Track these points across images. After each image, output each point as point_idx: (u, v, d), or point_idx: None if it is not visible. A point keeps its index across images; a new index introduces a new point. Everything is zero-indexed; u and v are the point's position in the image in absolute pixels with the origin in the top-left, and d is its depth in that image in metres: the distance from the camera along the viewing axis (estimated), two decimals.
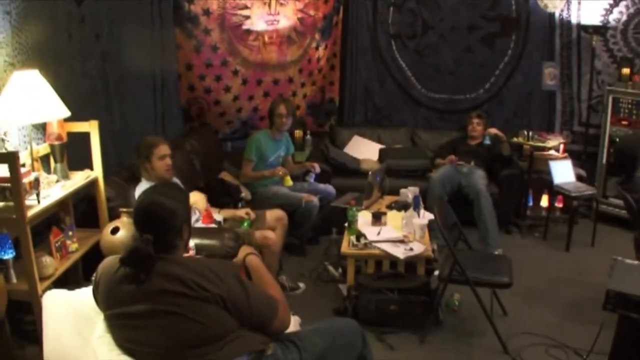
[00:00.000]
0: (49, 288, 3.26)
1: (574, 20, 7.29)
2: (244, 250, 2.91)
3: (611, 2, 7.02)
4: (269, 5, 6.54)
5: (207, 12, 6.02)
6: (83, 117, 3.95)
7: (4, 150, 3.37)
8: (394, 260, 4.70)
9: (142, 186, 4.24)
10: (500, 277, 4.29)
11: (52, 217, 3.81)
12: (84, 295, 2.69)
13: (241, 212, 5.05)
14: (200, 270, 2.40)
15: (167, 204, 2.46)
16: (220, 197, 5.46)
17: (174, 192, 2.60)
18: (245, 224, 4.90)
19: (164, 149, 4.35)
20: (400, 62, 7.85)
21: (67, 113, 3.65)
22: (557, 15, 7.32)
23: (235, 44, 6.41)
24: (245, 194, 5.72)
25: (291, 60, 7.08)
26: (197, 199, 4.79)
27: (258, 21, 6.50)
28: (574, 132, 7.58)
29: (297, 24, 6.92)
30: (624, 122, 6.69)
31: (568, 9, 7.28)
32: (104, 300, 2.50)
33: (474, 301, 4.31)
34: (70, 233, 3.79)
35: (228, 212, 5.06)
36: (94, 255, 3.78)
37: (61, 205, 3.78)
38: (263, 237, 4.81)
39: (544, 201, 6.81)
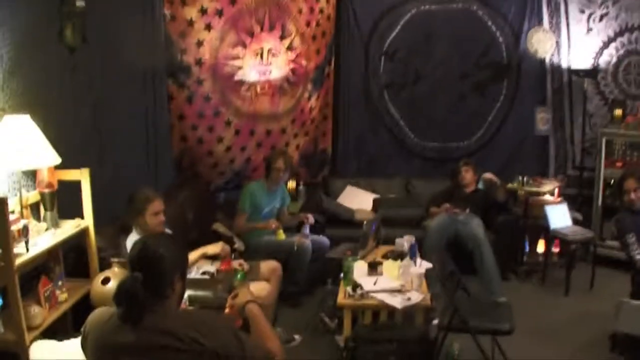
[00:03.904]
0: (37, 338, 3.17)
1: (564, 65, 7.40)
2: (244, 295, 2.81)
3: (600, 45, 7.13)
4: (261, 56, 6.57)
5: (199, 62, 6.01)
6: (74, 165, 3.91)
7: None
8: (391, 311, 4.61)
9: (133, 237, 4.17)
10: (501, 324, 4.23)
11: (42, 266, 3.73)
12: (73, 346, 2.60)
13: (234, 264, 4.97)
14: (194, 324, 2.32)
15: (159, 250, 2.41)
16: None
17: (167, 242, 2.55)
18: (239, 276, 4.82)
19: (158, 205, 4.27)
20: (392, 112, 7.88)
21: (58, 160, 3.60)
22: (547, 60, 7.40)
23: (228, 94, 6.41)
24: (238, 245, 5.65)
25: (284, 110, 7.09)
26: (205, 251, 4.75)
27: (250, 71, 6.51)
28: (569, 175, 7.58)
29: (289, 74, 6.95)
30: (618, 164, 6.71)
31: (558, 53, 7.38)
32: (93, 353, 2.41)
33: (475, 350, 4.22)
34: (59, 283, 3.71)
35: (215, 248, 4.95)
36: (84, 306, 3.70)
37: (51, 254, 3.70)
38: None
39: (541, 246, 6.76)
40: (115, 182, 4.83)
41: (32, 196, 3.77)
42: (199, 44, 5.97)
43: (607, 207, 6.76)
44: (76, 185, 3.94)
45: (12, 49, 3.65)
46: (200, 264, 4.84)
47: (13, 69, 3.65)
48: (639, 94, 7.08)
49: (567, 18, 7.33)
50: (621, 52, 7.11)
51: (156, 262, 2.39)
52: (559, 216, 6.37)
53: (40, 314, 3.39)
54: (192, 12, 5.87)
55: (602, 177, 6.87)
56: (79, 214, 3.99)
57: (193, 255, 4.54)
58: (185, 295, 3.82)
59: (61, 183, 3.82)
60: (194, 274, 4.71)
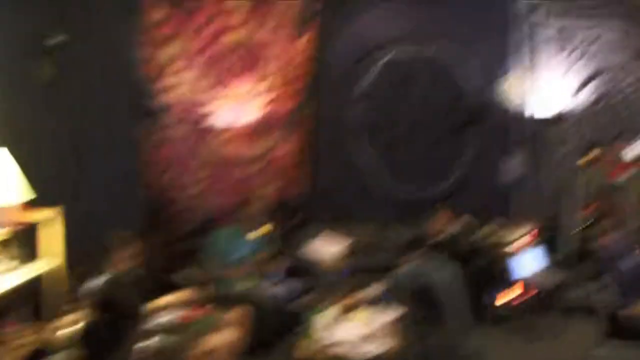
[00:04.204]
0: None
1: (535, 110, 7.57)
2: (211, 343, 2.79)
3: (570, 91, 7.28)
4: (236, 100, 6.57)
5: (172, 106, 6.01)
6: (48, 202, 3.89)
7: None
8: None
9: (100, 279, 4.14)
10: None
11: (9, 305, 3.67)
12: None
13: (203, 311, 4.93)
14: None
15: (124, 292, 2.41)
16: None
17: (131, 285, 2.55)
18: (207, 322, 4.78)
19: (133, 249, 4.36)
20: (367, 156, 7.91)
21: (32, 195, 3.58)
22: (519, 105, 7.54)
23: (199, 139, 6.39)
24: (207, 292, 5.59)
25: (257, 155, 7.08)
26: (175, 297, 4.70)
27: (224, 115, 6.52)
28: (539, 222, 7.57)
29: (263, 118, 6.97)
30: (590, 208, 6.80)
31: (529, 99, 7.50)
32: None
33: None
34: (26, 323, 3.65)
35: (182, 296, 4.90)
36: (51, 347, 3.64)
37: (19, 293, 3.65)
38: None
39: (513, 293, 6.76)
40: (87, 223, 4.81)
41: (3, 233, 3.72)
42: (173, 87, 5.98)
43: (579, 251, 6.80)
44: (47, 224, 3.92)
45: None
46: (169, 309, 4.79)
47: None
48: (610, 138, 7.22)
49: (538, 65, 7.48)
50: (593, 96, 7.26)
51: (121, 303, 2.38)
52: (529, 263, 6.44)
53: (6, 356, 3.32)
54: (167, 55, 5.88)
55: (573, 222, 6.92)
56: (49, 252, 3.95)
57: (162, 301, 4.49)
58: (154, 340, 3.77)
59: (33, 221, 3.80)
60: (162, 319, 4.65)
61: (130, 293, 2.44)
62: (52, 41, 4.31)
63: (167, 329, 4.27)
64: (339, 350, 4.57)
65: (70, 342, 2.41)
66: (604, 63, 7.41)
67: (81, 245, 4.60)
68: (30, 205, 3.78)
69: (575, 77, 7.44)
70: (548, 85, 7.56)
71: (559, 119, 7.32)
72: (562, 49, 7.46)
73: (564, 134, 7.40)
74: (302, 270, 6.65)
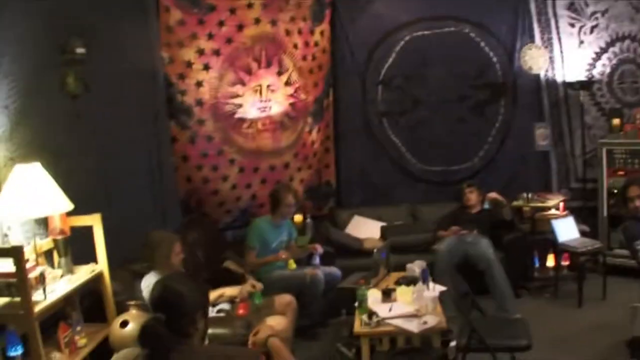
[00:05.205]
0: None
1: (559, 79, 7.52)
2: (265, 330, 2.83)
3: (593, 56, 7.24)
4: (260, 92, 6.62)
5: (200, 103, 6.09)
6: (82, 211, 3.93)
7: (7, 245, 3.33)
8: (408, 336, 4.60)
9: (150, 279, 4.22)
10: (518, 340, 4.24)
11: (59, 312, 3.74)
12: None
13: (247, 287, 5.00)
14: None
15: (178, 289, 2.45)
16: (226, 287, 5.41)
17: (186, 280, 2.59)
18: (256, 298, 4.87)
19: (179, 245, 4.48)
20: (393, 139, 7.91)
21: (70, 206, 3.64)
22: (542, 76, 7.51)
23: (230, 132, 6.46)
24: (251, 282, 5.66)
25: (286, 145, 7.11)
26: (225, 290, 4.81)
27: (250, 109, 6.57)
28: (572, 188, 7.63)
29: (288, 109, 6.98)
30: (620, 173, 6.78)
31: (552, 68, 7.48)
32: None
33: None
34: (78, 328, 3.73)
35: (233, 291, 4.97)
36: (103, 350, 3.72)
37: (67, 300, 3.72)
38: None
39: (550, 261, 6.77)
40: (124, 226, 4.86)
41: (46, 244, 3.80)
42: (199, 84, 6.06)
43: (613, 216, 6.79)
44: (86, 231, 3.97)
45: (18, 99, 3.71)
46: (221, 302, 4.89)
47: (19, 119, 3.71)
48: (635, 102, 7.20)
49: (558, 33, 7.45)
50: (614, 61, 7.24)
51: (177, 301, 2.41)
52: (566, 229, 6.43)
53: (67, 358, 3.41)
54: (189, 54, 5.97)
55: (605, 187, 6.93)
56: (92, 259, 4.01)
57: (211, 296, 4.56)
58: (214, 332, 3.84)
59: (73, 228, 3.85)
60: (210, 312, 4.72)
61: (182, 290, 2.46)
62: (76, 53, 4.34)
63: (215, 322, 4.36)
64: (387, 328, 4.60)
65: (130, 342, 2.46)
66: (617, 32, 7.37)
67: (120, 249, 4.68)
68: (69, 215, 3.82)
69: (590, 48, 7.40)
70: (565, 57, 7.50)
71: (579, 88, 7.26)
72: (575, 21, 7.42)
73: (585, 102, 7.36)
74: (340, 254, 6.70)
